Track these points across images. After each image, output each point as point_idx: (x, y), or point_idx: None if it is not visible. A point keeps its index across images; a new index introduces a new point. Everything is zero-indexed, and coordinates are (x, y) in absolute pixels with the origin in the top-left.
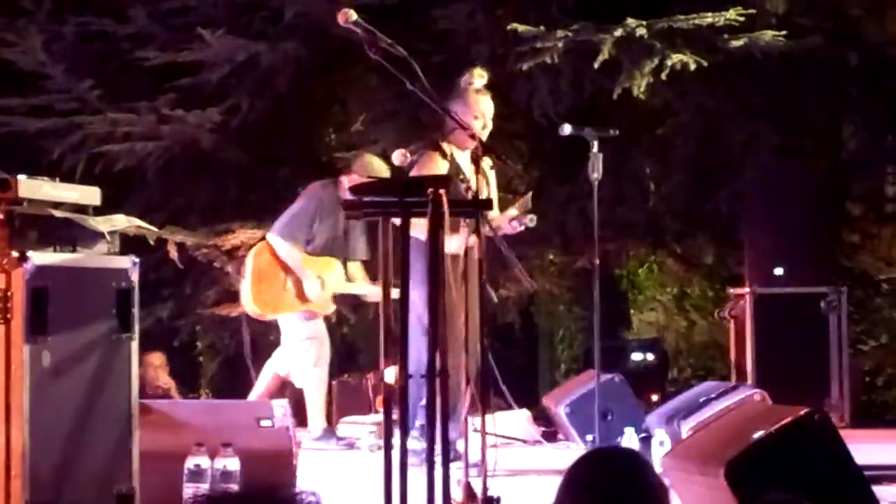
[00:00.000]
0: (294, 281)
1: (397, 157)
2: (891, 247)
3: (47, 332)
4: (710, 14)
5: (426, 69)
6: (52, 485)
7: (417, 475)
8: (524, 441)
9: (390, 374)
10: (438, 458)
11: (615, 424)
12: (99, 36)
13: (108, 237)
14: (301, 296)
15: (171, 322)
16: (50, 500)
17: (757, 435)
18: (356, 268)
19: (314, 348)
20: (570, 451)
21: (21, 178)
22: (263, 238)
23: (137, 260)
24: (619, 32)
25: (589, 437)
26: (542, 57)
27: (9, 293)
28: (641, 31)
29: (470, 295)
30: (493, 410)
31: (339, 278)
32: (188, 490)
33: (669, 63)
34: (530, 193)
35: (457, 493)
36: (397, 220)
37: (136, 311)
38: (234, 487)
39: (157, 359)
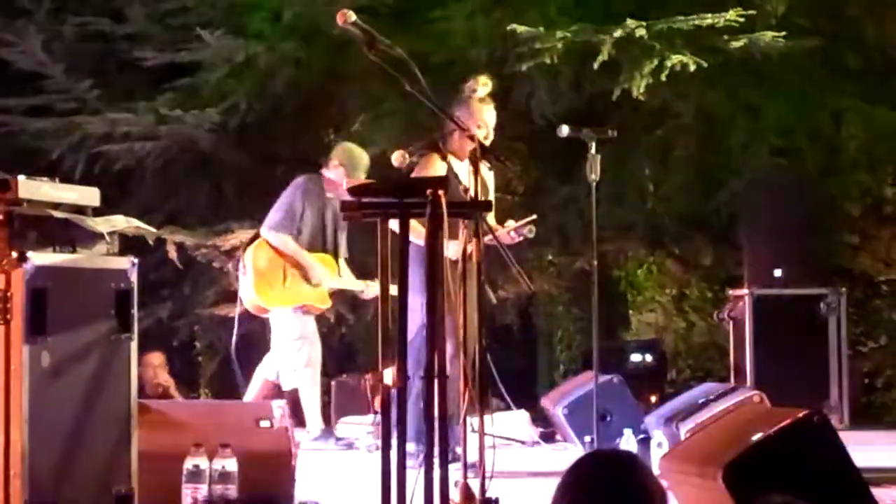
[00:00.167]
0: (293, 276)
1: (396, 157)
2: (890, 248)
3: (47, 333)
4: (709, 15)
5: (425, 70)
6: (52, 485)
7: (415, 476)
8: (523, 442)
9: (389, 376)
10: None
11: (614, 426)
12: (98, 36)
13: (107, 238)
14: (300, 291)
15: (171, 322)
16: (49, 500)
17: (755, 437)
18: (342, 265)
19: (306, 348)
20: (569, 452)
21: (20, 178)
22: (257, 235)
23: (136, 260)
24: (618, 33)
25: (587, 439)
26: (541, 58)
27: (8, 294)
28: (641, 32)
29: (468, 297)
30: (492, 411)
31: (333, 273)
32: (187, 490)
33: (669, 64)
34: (532, 222)
35: (455, 495)
36: (395, 226)
37: (135, 311)
38: (233, 488)
39: (157, 359)
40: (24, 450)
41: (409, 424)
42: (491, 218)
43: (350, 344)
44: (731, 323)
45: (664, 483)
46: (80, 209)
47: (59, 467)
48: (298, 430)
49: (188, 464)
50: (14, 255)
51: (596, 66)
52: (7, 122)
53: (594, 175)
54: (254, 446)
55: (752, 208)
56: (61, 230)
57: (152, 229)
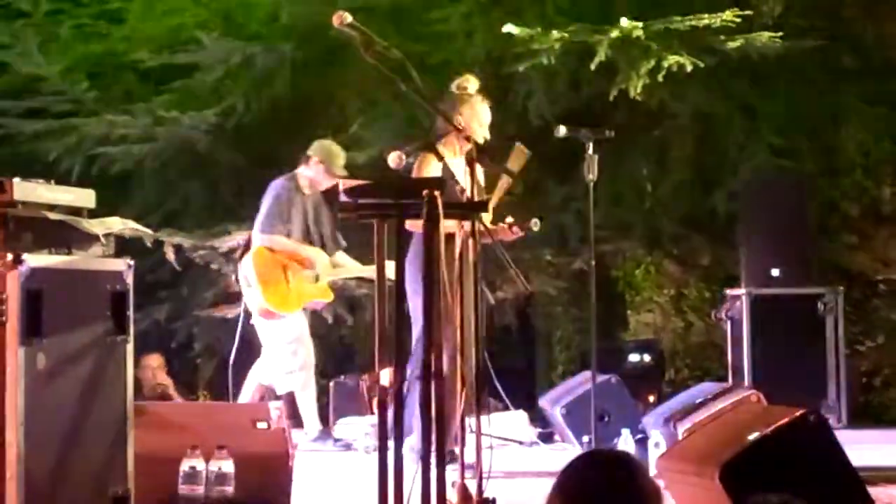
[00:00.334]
0: (295, 273)
1: (393, 158)
2: (888, 248)
3: (42, 335)
4: (706, 15)
5: (422, 71)
6: (47, 488)
7: (413, 477)
8: (521, 442)
9: (386, 376)
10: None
11: (612, 426)
12: (94, 38)
13: (102, 239)
14: (306, 289)
15: (169, 324)
16: (44, 502)
17: (752, 436)
18: (344, 255)
19: (301, 351)
20: (567, 452)
21: (16, 180)
22: (249, 245)
23: (132, 262)
24: (615, 34)
25: (585, 439)
26: (538, 58)
27: (3, 296)
28: (638, 33)
29: (465, 297)
30: (490, 412)
31: (328, 267)
32: (183, 492)
33: (666, 64)
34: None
35: (452, 495)
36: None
37: (130, 313)
38: (229, 490)
39: (156, 360)
40: (20, 452)
41: (416, 423)
42: (486, 218)
43: (348, 345)
44: (728, 323)
45: (661, 483)
46: (75, 211)
47: (55, 470)
48: (296, 431)
49: (184, 465)
50: (9, 256)
51: (593, 66)
52: (4, 124)
53: (592, 175)
54: (251, 448)
55: (749, 208)
56: (57, 232)
57: (149, 231)
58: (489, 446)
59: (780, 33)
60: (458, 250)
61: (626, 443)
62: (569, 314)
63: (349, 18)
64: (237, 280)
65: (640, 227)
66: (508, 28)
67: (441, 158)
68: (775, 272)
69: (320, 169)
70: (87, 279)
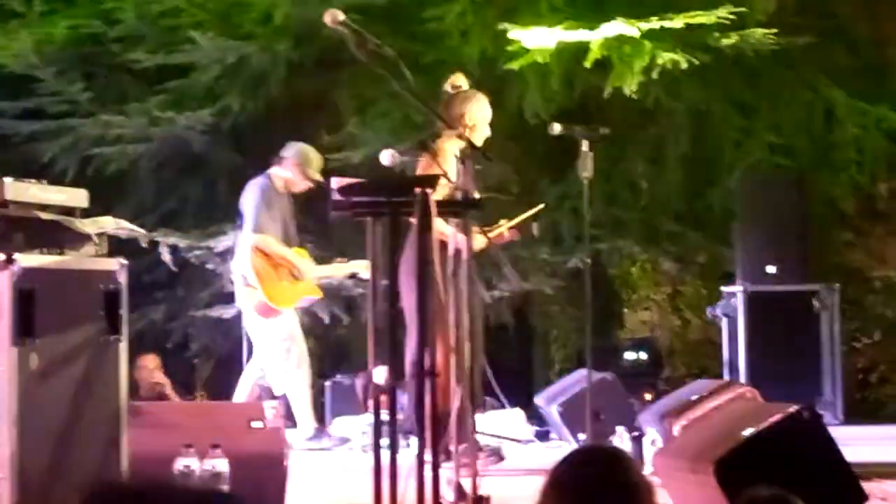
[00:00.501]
0: (285, 273)
1: (386, 157)
2: (883, 244)
3: (35, 335)
4: (700, 12)
5: (417, 70)
6: (41, 487)
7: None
8: (517, 440)
9: (380, 374)
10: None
11: (608, 423)
12: (89, 38)
13: (95, 239)
14: (298, 286)
15: (165, 324)
16: (38, 502)
17: (747, 432)
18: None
19: (294, 349)
20: (563, 450)
21: (7, 180)
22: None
23: (125, 262)
24: (609, 32)
25: (581, 437)
26: (533, 57)
27: None
28: (632, 31)
29: (461, 296)
30: (487, 410)
31: (311, 264)
32: None
33: (660, 62)
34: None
35: (447, 493)
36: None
37: (124, 312)
38: (224, 489)
39: (152, 361)
40: (13, 452)
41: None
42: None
43: (345, 345)
44: (724, 320)
45: (657, 479)
46: (68, 211)
47: (49, 469)
48: (291, 430)
49: (178, 464)
50: (1, 256)
51: (587, 64)
52: None
53: (587, 173)
54: (246, 447)
55: (745, 206)
56: (49, 232)
57: (142, 230)
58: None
59: (775, 30)
60: (451, 248)
61: (621, 441)
62: (565, 312)
63: (341, 17)
64: (232, 281)
65: (636, 224)
66: (504, 27)
67: (435, 157)
68: (771, 269)
69: (297, 171)
70: (79, 279)
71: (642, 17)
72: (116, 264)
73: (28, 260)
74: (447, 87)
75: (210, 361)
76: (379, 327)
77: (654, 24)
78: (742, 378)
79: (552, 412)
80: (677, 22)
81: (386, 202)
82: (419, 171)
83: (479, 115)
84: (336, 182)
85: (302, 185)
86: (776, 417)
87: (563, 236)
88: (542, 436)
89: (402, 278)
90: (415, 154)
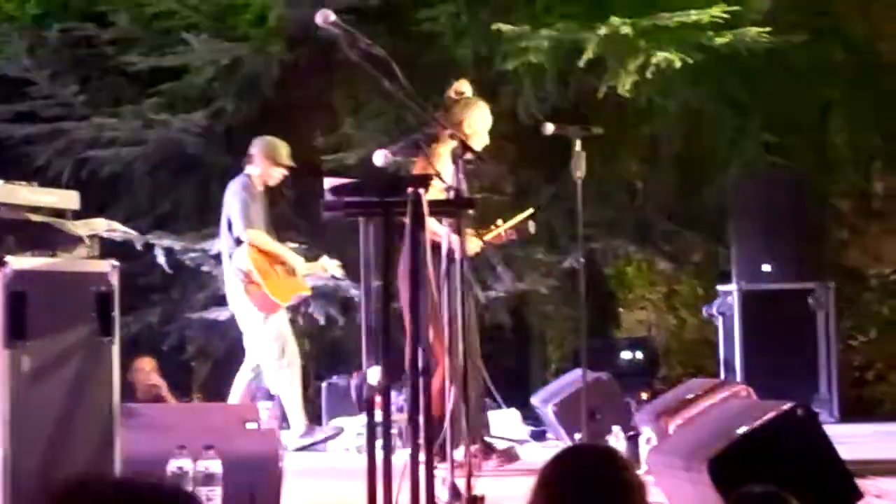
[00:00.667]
0: (279, 268)
1: (379, 157)
2: (879, 242)
3: (26, 337)
4: (694, 11)
5: (412, 71)
6: (34, 489)
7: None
8: (513, 440)
9: (374, 375)
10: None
11: (603, 423)
12: (82, 41)
13: (86, 241)
14: (292, 282)
15: (161, 327)
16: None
17: (741, 430)
18: None
19: (287, 348)
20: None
21: None
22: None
23: (117, 263)
24: (603, 31)
25: (577, 436)
26: (527, 56)
27: None
28: (626, 30)
29: (453, 296)
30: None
31: (300, 258)
32: None
33: (654, 61)
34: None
35: (442, 493)
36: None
37: (116, 314)
38: (217, 490)
39: (148, 363)
40: (5, 454)
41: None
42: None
43: (341, 346)
44: (720, 318)
45: (651, 478)
46: (59, 213)
47: (41, 471)
48: (285, 432)
49: (171, 466)
50: None
51: (582, 64)
52: None
53: (580, 172)
54: (240, 448)
55: (740, 204)
56: (40, 234)
57: (133, 232)
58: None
59: (769, 28)
60: (445, 249)
61: (617, 440)
62: (561, 312)
63: (333, 17)
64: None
65: (631, 224)
66: (498, 26)
67: (429, 159)
68: (766, 268)
69: (267, 164)
70: (71, 281)
71: (636, 16)
72: (108, 266)
73: (19, 262)
74: (451, 92)
75: (206, 363)
76: (372, 327)
77: (648, 22)
78: (738, 377)
79: (548, 412)
80: (671, 21)
81: (378, 202)
82: (412, 168)
83: (479, 123)
84: (328, 182)
85: (276, 176)
86: (770, 415)
87: (558, 236)
88: (539, 436)
89: (399, 278)
90: (408, 155)
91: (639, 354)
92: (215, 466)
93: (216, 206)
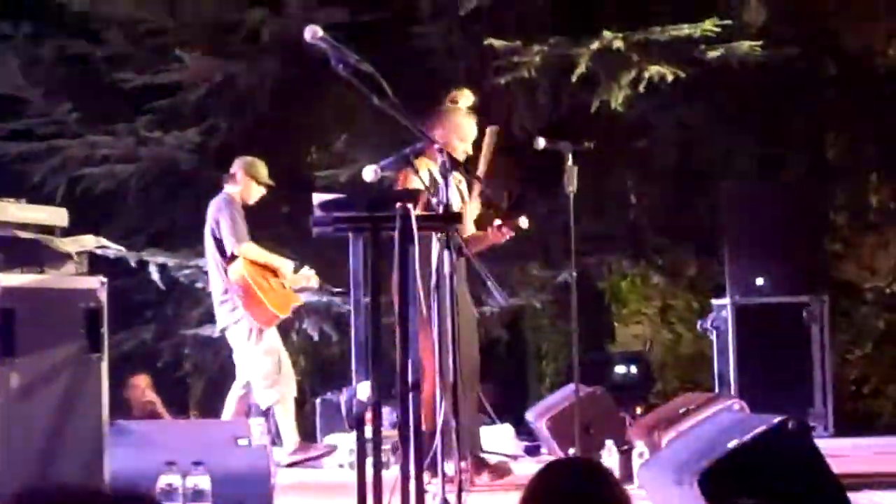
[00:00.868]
0: (273, 279)
1: (368, 172)
2: (874, 256)
3: (15, 354)
4: (686, 25)
5: (404, 86)
6: None
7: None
8: (507, 456)
9: (363, 390)
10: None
11: (597, 437)
12: (76, 59)
13: (75, 258)
14: (287, 292)
15: (156, 343)
16: None
17: (731, 444)
18: None
19: (276, 364)
20: None
21: None
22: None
23: (105, 280)
24: (595, 45)
25: (571, 451)
26: (520, 72)
27: None
28: (618, 44)
29: (442, 311)
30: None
31: (291, 273)
32: None
33: (647, 75)
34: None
35: None
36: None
37: (104, 330)
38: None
39: (143, 380)
40: None
41: None
42: (470, 227)
43: (335, 362)
44: (714, 333)
45: (643, 492)
46: (48, 229)
47: None
48: (277, 449)
49: (161, 482)
50: None
51: (574, 78)
52: None
53: (572, 187)
54: (232, 464)
55: (734, 218)
56: (28, 251)
57: (123, 249)
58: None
59: (761, 42)
60: (434, 261)
61: (610, 454)
62: (556, 327)
63: (321, 32)
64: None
65: (625, 238)
66: (490, 42)
67: (417, 172)
68: (760, 281)
69: (248, 181)
70: (59, 297)
71: (628, 30)
72: (97, 283)
73: (7, 279)
74: (447, 101)
75: (202, 380)
76: (362, 342)
77: (640, 36)
78: (733, 391)
79: (542, 427)
80: (663, 35)
81: (366, 217)
82: (399, 186)
83: (450, 133)
84: (317, 198)
85: (256, 194)
86: (761, 429)
87: (552, 251)
88: (533, 451)
89: (393, 293)
90: (398, 170)
91: (633, 369)
92: (204, 483)
93: None
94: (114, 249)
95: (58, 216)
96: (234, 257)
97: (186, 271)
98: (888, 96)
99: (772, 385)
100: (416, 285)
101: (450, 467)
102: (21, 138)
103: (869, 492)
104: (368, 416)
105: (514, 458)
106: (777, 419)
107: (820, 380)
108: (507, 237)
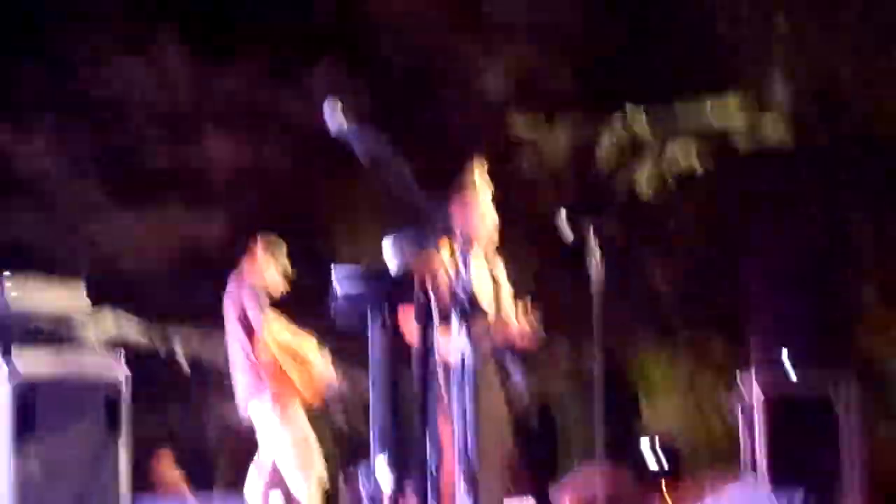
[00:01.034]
0: (302, 359)
1: (389, 251)
2: None
3: (35, 435)
4: (709, 99)
5: (427, 166)
6: None
7: None
8: None
9: (381, 465)
10: None
11: None
12: (105, 140)
13: (95, 338)
14: (314, 372)
15: (182, 422)
16: None
17: None
18: None
19: (300, 441)
20: None
21: (6, 275)
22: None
23: (126, 360)
24: (619, 126)
25: None
26: (544, 154)
27: None
28: (642, 126)
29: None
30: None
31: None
32: None
33: (671, 156)
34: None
35: None
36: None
37: (125, 410)
38: None
39: (167, 457)
40: None
41: None
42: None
43: (361, 442)
44: (740, 413)
45: None
46: (68, 308)
47: None
48: None
49: None
50: (0, 354)
51: (598, 160)
52: (14, 223)
53: (595, 268)
54: None
55: (759, 296)
56: (49, 330)
57: (145, 328)
58: None
59: (790, 131)
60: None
61: None
62: (585, 407)
63: (339, 106)
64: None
65: (652, 319)
66: (515, 119)
67: (438, 252)
68: (787, 360)
69: (268, 259)
70: (79, 377)
71: (653, 111)
72: (117, 363)
73: (28, 359)
74: (466, 177)
75: (227, 457)
76: (381, 423)
77: (665, 117)
78: (759, 470)
79: None
80: (687, 112)
81: (385, 299)
82: (420, 265)
83: (469, 216)
84: (337, 268)
85: (276, 272)
86: None
87: (577, 332)
88: None
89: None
90: (419, 250)
91: (659, 448)
92: None
93: None
94: (137, 329)
95: (79, 296)
96: (259, 334)
97: (212, 351)
98: None
99: (799, 465)
100: (436, 367)
101: None
102: (49, 218)
103: None
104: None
105: None
106: (797, 496)
107: (848, 459)
108: (530, 334)
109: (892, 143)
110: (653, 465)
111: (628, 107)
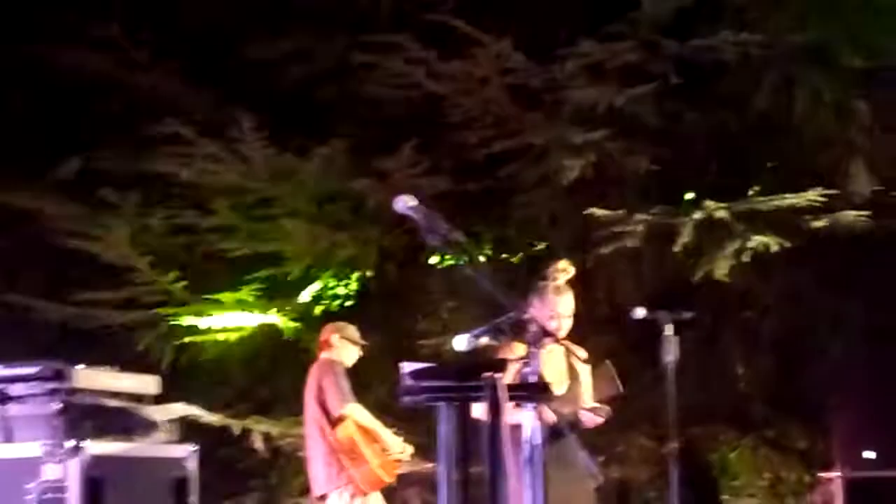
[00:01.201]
0: (379, 446)
1: (462, 342)
2: None
3: None
4: (790, 195)
5: (509, 253)
6: None
7: None
8: None
9: None
10: None
11: None
12: (183, 228)
13: (164, 426)
14: (393, 461)
15: None
16: None
17: None
18: None
19: None
20: None
21: (77, 368)
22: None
23: (195, 448)
24: (698, 215)
25: None
26: (622, 241)
27: (65, 483)
28: (721, 213)
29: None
30: None
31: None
32: None
33: (751, 245)
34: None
35: None
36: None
37: (193, 499)
38: None
39: None
40: None
41: None
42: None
43: None
44: None
45: None
46: (138, 397)
47: None
48: None
49: None
50: (70, 444)
51: (677, 248)
52: (94, 314)
53: (671, 357)
54: None
55: (842, 388)
56: (117, 419)
57: (211, 416)
58: None
59: (867, 212)
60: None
61: None
62: (663, 498)
63: (411, 202)
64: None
65: (732, 409)
66: (592, 211)
67: (512, 343)
68: (870, 455)
69: (344, 343)
70: (148, 465)
71: (731, 200)
72: (186, 451)
73: (97, 447)
74: (549, 273)
75: None
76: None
77: (744, 207)
78: None
79: None
80: (767, 205)
81: (454, 386)
82: (492, 353)
83: (541, 310)
84: (405, 366)
85: (354, 355)
86: None
87: (656, 422)
88: None
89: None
90: (492, 339)
91: None
92: None
93: None
94: (206, 417)
95: (149, 384)
96: (340, 419)
97: (289, 439)
98: None
99: None
100: (508, 457)
101: None
102: (128, 307)
103: None
104: None
105: None
106: None
107: None
108: (599, 422)
109: None
110: None
111: (707, 202)
